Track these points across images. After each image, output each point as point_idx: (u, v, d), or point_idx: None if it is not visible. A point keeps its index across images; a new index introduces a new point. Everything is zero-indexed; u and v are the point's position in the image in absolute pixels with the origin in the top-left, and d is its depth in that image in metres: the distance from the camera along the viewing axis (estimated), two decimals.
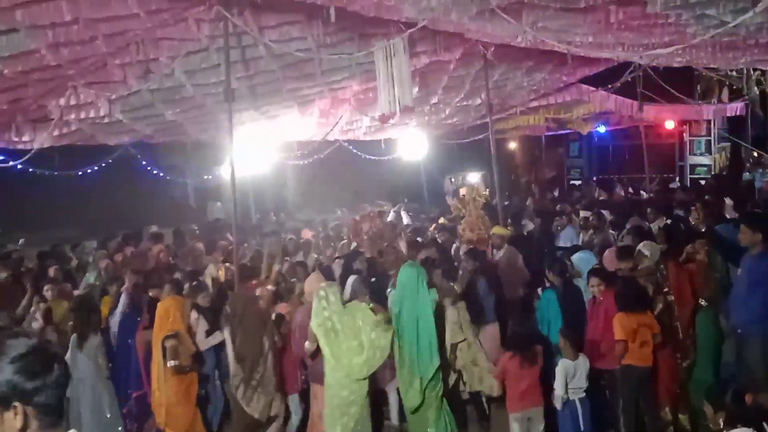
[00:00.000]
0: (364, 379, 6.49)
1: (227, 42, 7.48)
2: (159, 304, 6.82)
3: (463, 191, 11.15)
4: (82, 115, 8.99)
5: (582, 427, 6.15)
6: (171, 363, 6.60)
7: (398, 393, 7.10)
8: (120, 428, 7.09)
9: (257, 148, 12.68)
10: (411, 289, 6.68)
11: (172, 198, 20.62)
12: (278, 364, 7.04)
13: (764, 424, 4.09)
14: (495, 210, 11.05)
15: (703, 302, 7.14)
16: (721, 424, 4.54)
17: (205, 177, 15.64)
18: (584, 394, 6.21)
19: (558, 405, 6.18)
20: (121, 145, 11.40)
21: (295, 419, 7.41)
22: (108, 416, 6.95)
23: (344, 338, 6.43)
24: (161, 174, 14.40)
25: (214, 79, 8.92)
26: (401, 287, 6.76)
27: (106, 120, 9.34)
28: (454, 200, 11.36)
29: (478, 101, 13.56)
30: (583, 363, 6.22)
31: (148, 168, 13.69)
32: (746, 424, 4.17)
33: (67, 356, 6.81)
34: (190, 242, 12.30)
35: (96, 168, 12.16)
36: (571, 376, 6.15)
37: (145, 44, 7.87)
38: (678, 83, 17.81)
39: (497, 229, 9.38)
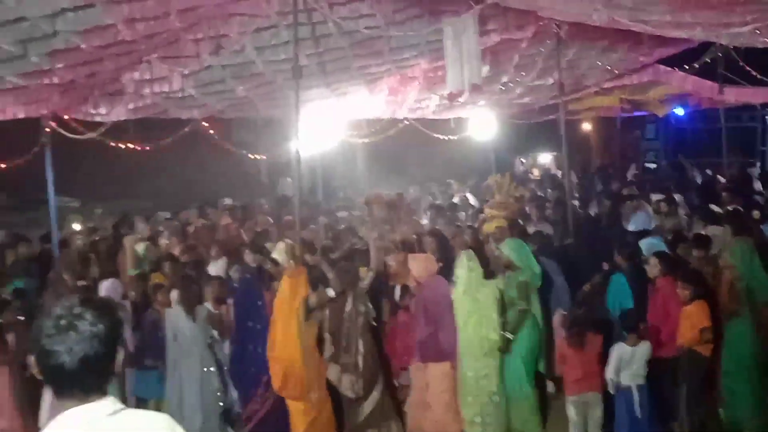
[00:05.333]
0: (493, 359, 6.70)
1: (296, 18, 7.51)
2: (284, 277, 6.87)
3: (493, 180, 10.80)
4: (156, 89, 9.19)
5: (638, 414, 6.04)
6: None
7: None
8: (221, 403, 7.17)
9: (325, 125, 12.74)
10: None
11: (245, 172, 20.96)
12: (376, 344, 7.04)
13: None
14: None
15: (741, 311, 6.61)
16: None
17: (276, 152, 15.78)
18: (642, 381, 6.08)
19: (611, 389, 6.10)
20: (193, 119, 11.62)
21: None
22: (214, 387, 7.09)
23: (475, 310, 6.74)
24: (232, 149, 14.60)
25: (283, 55, 8.98)
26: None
27: (179, 95, 9.53)
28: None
29: (551, 81, 13.29)
30: (643, 349, 6.09)
31: (221, 143, 13.90)
32: None
33: (171, 328, 7.01)
34: (258, 216, 12.48)
35: (170, 141, 12.41)
36: (626, 361, 6.03)
37: (216, 20, 7.98)
38: (762, 65, 17.09)
39: (496, 222, 9.07)
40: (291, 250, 7.72)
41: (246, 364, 7.37)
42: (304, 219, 8.34)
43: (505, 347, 6.84)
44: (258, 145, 18.77)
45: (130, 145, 11.94)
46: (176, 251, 9.57)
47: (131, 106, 9.46)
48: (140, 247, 9.78)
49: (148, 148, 12.34)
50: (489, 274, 7.26)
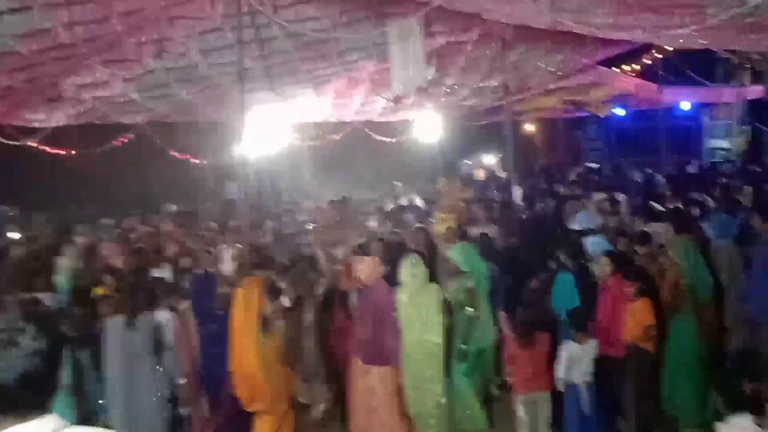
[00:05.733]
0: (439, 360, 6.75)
1: (240, 21, 7.45)
2: (241, 285, 6.72)
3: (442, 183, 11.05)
4: (98, 94, 9.01)
5: (586, 412, 6.12)
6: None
7: None
8: (165, 413, 6.98)
9: (272, 128, 12.66)
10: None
11: (190, 177, 20.67)
12: (323, 347, 7.02)
13: (765, 407, 4.06)
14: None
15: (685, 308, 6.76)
16: (721, 408, 4.51)
17: (220, 157, 15.63)
18: (591, 379, 6.17)
19: (560, 388, 6.18)
20: (137, 124, 11.43)
21: None
22: (159, 395, 6.87)
23: (419, 314, 6.75)
24: (176, 154, 14.41)
25: (228, 58, 8.90)
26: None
27: (121, 99, 9.36)
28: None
29: (495, 83, 13.44)
30: (591, 347, 6.18)
31: (165, 148, 13.71)
32: (748, 411, 4.15)
33: (115, 338, 6.79)
34: (204, 222, 12.33)
35: (113, 146, 12.17)
36: (575, 359, 6.11)
37: (160, 23, 7.86)
38: (698, 66, 17.63)
39: (446, 224, 9.21)
40: (240, 257, 7.64)
41: (210, 367, 7.26)
42: (251, 224, 8.25)
43: (464, 358, 6.99)
44: (203, 149, 18.57)
45: (72, 151, 11.68)
46: (118, 260, 9.36)
47: (71, 111, 9.26)
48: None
49: (89, 153, 12.10)
50: (435, 276, 7.32)
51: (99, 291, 8.08)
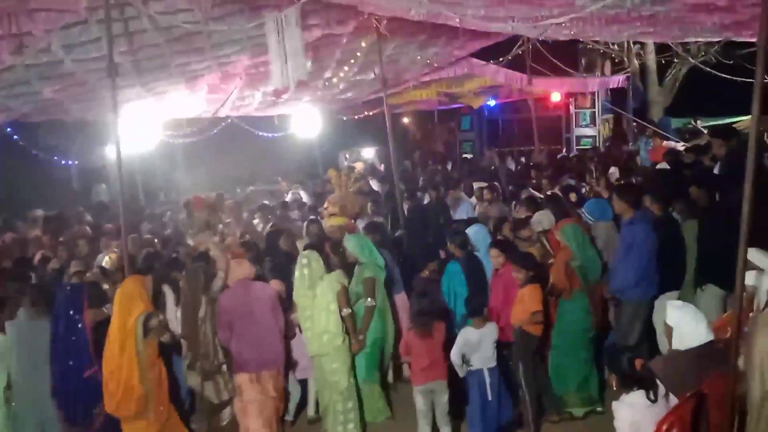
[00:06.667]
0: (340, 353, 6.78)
1: (108, 14, 7.04)
2: (121, 287, 6.37)
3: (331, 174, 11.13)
4: None
5: (489, 396, 6.21)
6: (165, 338, 6.40)
7: None
8: None
9: (144, 126, 12.18)
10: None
11: (54, 180, 19.65)
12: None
13: (657, 383, 4.23)
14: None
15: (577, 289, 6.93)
16: (614, 386, 4.68)
17: (89, 157, 14.92)
18: (493, 364, 6.26)
19: (460, 373, 6.25)
20: None
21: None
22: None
23: (315, 307, 6.78)
24: (40, 155, 13.62)
25: (95, 53, 8.42)
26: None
27: None
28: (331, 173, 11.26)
29: (372, 75, 13.48)
30: (489, 331, 6.26)
31: (26, 149, 12.92)
32: (641, 387, 4.31)
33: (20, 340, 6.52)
34: (77, 227, 11.72)
35: None
36: (472, 345, 6.17)
37: (18, 15, 7.33)
38: (564, 57, 18.38)
39: (336, 220, 9.24)
40: (118, 262, 7.30)
41: (70, 382, 6.85)
42: (126, 227, 7.79)
43: (365, 349, 7.01)
44: (68, 150, 17.67)
45: None
46: None
47: None
48: None
49: None
50: (330, 269, 7.21)
51: None
